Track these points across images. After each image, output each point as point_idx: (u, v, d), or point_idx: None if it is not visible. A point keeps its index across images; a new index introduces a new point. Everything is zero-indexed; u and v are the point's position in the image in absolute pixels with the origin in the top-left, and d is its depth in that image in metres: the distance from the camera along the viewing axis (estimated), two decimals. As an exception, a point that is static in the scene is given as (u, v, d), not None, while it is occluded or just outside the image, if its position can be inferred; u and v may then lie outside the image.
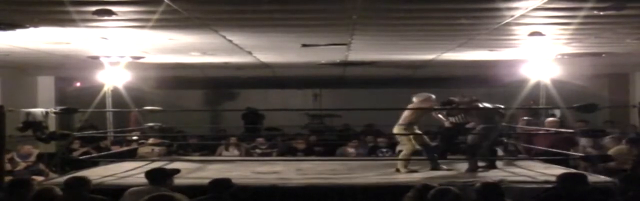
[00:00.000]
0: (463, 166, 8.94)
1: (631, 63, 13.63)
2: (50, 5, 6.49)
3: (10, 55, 11.27)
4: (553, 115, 13.07)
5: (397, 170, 8.80)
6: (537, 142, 10.25)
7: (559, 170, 7.75)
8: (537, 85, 11.65)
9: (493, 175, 8.09)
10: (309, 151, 12.82)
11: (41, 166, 10.92)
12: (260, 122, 16.71)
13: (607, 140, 9.92)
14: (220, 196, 5.71)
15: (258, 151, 13.00)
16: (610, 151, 9.41)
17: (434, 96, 9.17)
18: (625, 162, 9.11)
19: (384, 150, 12.24)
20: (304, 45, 9.89)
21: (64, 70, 14.13)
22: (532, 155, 10.20)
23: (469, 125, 9.37)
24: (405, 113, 8.95)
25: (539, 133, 10.49)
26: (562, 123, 10.97)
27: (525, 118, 11.43)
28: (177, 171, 6.22)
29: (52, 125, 10.90)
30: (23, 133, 9.07)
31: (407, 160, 8.82)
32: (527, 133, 10.85)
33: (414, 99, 9.16)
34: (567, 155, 9.41)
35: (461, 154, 9.69)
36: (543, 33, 8.38)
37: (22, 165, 10.86)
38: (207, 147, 13.71)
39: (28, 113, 8.90)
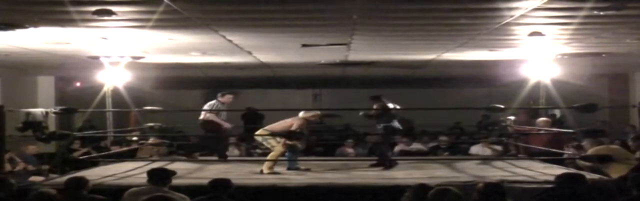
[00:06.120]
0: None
1: (631, 63, 13.63)
2: (50, 5, 6.50)
3: (10, 55, 11.27)
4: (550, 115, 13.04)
5: (261, 172, 8.71)
6: (533, 141, 10.24)
7: (559, 170, 7.76)
8: (537, 85, 11.65)
9: (493, 175, 8.08)
10: (308, 151, 12.78)
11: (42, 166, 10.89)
12: (259, 122, 16.69)
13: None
14: (220, 196, 5.71)
15: (258, 151, 12.97)
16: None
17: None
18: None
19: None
20: (304, 45, 9.89)
21: (64, 70, 14.12)
22: (530, 155, 10.19)
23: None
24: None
25: (530, 133, 10.47)
26: (562, 123, 10.94)
27: (510, 117, 11.40)
28: (173, 173, 6.20)
29: (52, 125, 10.89)
30: (23, 133, 9.06)
31: (273, 161, 8.85)
32: (520, 133, 10.85)
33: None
34: (564, 154, 9.39)
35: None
36: (543, 33, 8.38)
37: (21, 165, 10.83)
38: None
39: (28, 113, 8.89)
